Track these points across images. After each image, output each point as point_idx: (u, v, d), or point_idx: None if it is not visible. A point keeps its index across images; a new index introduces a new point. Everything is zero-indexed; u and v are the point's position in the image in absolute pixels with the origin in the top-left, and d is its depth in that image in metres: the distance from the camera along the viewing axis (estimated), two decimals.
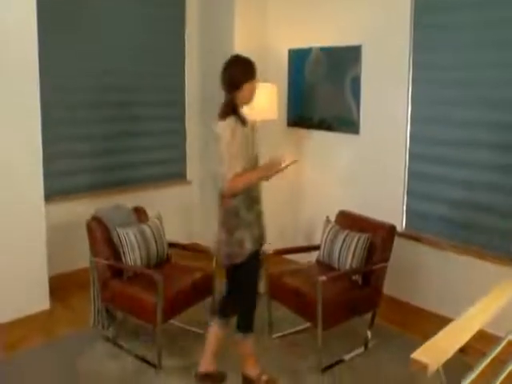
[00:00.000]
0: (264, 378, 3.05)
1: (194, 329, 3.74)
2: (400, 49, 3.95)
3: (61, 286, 4.19)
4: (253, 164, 2.90)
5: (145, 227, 3.69)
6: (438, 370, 1.25)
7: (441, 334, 1.43)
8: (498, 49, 3.44)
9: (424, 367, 1.21)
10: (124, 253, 3.50)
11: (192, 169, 5.29)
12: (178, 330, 3.73)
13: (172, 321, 3.75)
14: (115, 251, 3.53)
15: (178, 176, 5.26)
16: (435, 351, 1.25)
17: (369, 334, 3.57)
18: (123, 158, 4.86)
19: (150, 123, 5.00)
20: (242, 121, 2.85)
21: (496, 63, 3.46)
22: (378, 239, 3.51)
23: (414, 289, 3.97)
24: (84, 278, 3.80)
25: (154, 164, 5.07)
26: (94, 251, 3.52)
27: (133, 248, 3.51)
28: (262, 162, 2.94)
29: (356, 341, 3.59)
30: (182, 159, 5.27)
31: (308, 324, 3.60)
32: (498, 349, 1.77)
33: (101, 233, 3.52)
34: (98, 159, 4.69)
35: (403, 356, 3.32)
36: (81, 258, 3.92)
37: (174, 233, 4.15)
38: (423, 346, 1.35)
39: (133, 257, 3.51)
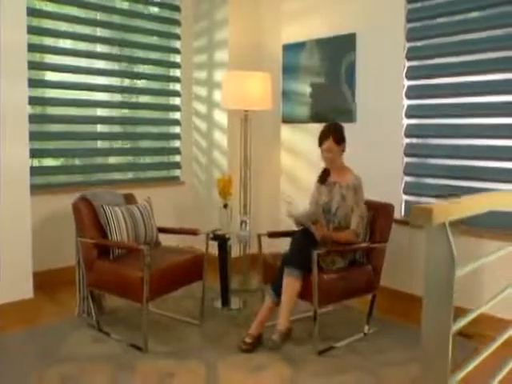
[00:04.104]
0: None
1: (184, 318, 3.57)
2: (395, 33, 3.91)
3: (47, 282, 4.00)
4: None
5: (133, 208, 3.56)
6: (444, 225, 1.06)
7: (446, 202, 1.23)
8: (492, 32, 3.41)
9: (427, 214, 1.01)
10: (111, 231, 3.35)
11: (185, 171, 5.21)
12: (165, 320, 3.57)
13: (160, 311, 3.65)
14: (102, 232, 3.38)
15: (172, 177, 5.20)
16: (441, 207, 1.06)
17: (367, 321, 3.40)
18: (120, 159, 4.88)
19: (148, 127, 5.06)
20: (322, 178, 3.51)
21: (489, 46, 3.43)
22: (377, 219, 3.41)
23: (415, 277, 3.78)
24: (71, 276, 3.64)
25: (150, 165, 5.05)
26: (80, 232, 3.38)
27: (120, 226, 3.37)
28: None
29: (355, 329, 3.41)
30: (177, 162, 5.20)
31: (304, 314, 3.45)
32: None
33: (87, 212, 3.38)
34: (94, 158, 4.65)
35: (403, 341, 3.21)
36: (69, 255, 3.72)
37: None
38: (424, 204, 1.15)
39: (119, 235, 3.37)
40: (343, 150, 3.41)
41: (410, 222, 1.08)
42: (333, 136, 3.35)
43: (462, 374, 1.23)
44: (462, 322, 1.15)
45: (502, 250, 1.47)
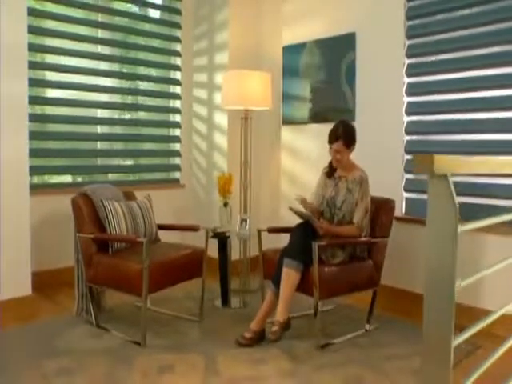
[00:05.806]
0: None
1: (183, 315, 3.55)
2: (394, 31, 3.92)
3: (45, 283, 3.97)
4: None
5: (132, 203, 3.54)
6: (446, 177, 1.04)
7: None
8: (489, 27, 3.42)
9: (429, 162, 0.99)
10: (110, 227, 3.32)
11: (185, 173, 5.21)
12: (165, 317, 3.54)
13: (159, 309, 3.63)
14: (101, 227, 3.36)
15: (173, 180, 5.20)
16: (443, 159, 1.03)
17: (368, 318, 3.38)
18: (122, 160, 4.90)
19: (149, 129, 5.06)
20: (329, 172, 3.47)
21: (490, 41, 3.43)
22: (378, 214, 3.40)
23: (415, 276, 3.75)
24: (70, 277, 3.61)
25: (151, 168, 5.07)
26: (79, 227, 3.35)
27: (119, 221, 3.35)
28: None
29: (356, 326, 3.38)
30: (177, 165, 5.20)
31: (305, 312, 3.44)
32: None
33: (87, 208, 3.36)
34: (94, 159, 4.66)
35: (404, 336, 3.18)
36: (68, 255, 3.72)
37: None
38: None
39: (118, 230, 3.34)
40: (352, 150, 3.38)
41: (414, 170, 1.06)
42: (343, 139, 3.28)
43: (461, 339, 1.20)
44: (466, 281, 1.13)
45: (508, 215, 1.45)
